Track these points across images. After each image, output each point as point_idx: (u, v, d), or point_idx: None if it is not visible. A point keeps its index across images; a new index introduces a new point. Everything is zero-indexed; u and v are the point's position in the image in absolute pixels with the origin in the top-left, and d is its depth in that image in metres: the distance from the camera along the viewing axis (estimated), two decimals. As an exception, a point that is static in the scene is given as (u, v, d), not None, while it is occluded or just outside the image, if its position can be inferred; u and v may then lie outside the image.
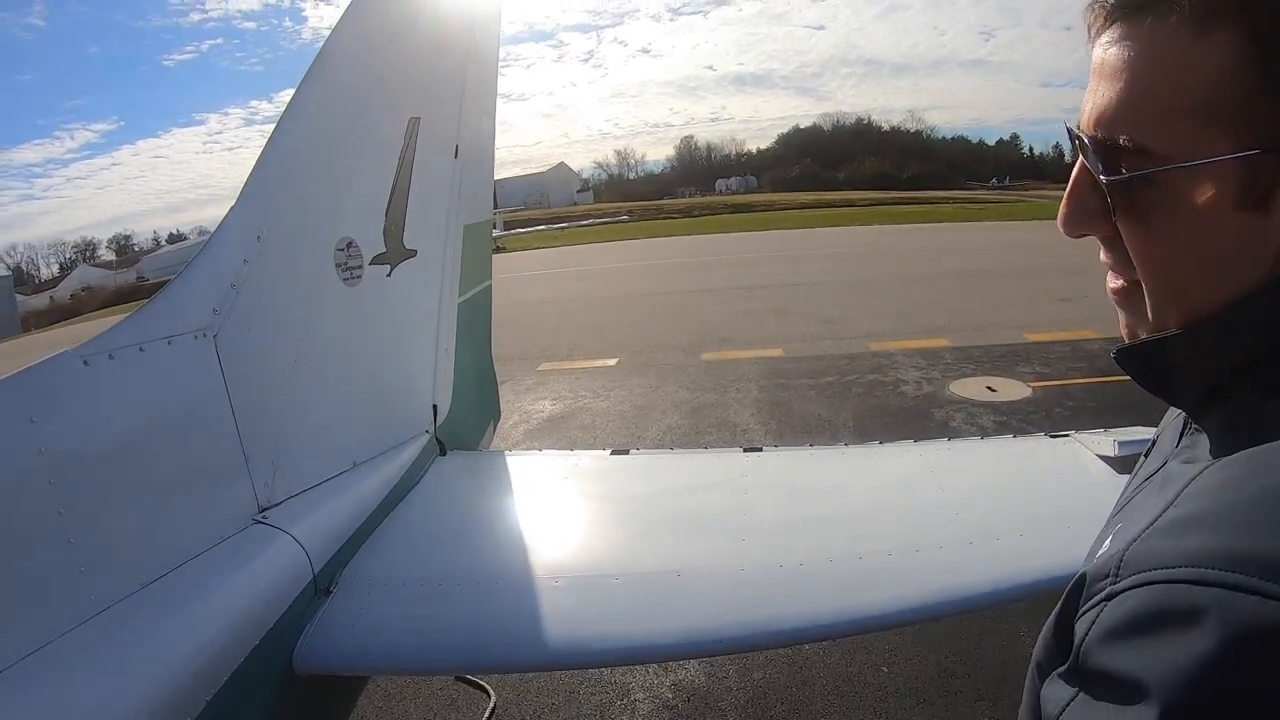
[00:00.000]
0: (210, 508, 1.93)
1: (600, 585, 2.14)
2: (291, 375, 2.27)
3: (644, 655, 2.20)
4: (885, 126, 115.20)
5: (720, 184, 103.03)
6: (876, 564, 2.10)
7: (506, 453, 3.35)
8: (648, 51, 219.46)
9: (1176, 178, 0.65)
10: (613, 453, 3.18)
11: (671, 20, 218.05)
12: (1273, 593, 0.49)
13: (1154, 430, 0.95)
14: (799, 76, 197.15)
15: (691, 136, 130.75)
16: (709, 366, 10.83)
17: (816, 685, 3.94)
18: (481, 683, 3.93)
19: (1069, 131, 0.75)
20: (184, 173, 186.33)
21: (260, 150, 2.21)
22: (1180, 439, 0.79)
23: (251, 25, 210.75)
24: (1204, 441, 0.73)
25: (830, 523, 2.44)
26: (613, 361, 11.56)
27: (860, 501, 2.62)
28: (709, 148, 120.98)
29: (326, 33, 2.43)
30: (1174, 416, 0.87)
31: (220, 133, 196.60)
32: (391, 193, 2.77)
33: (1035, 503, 2.41)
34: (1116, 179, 0.69)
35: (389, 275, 2.79)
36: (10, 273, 78.81)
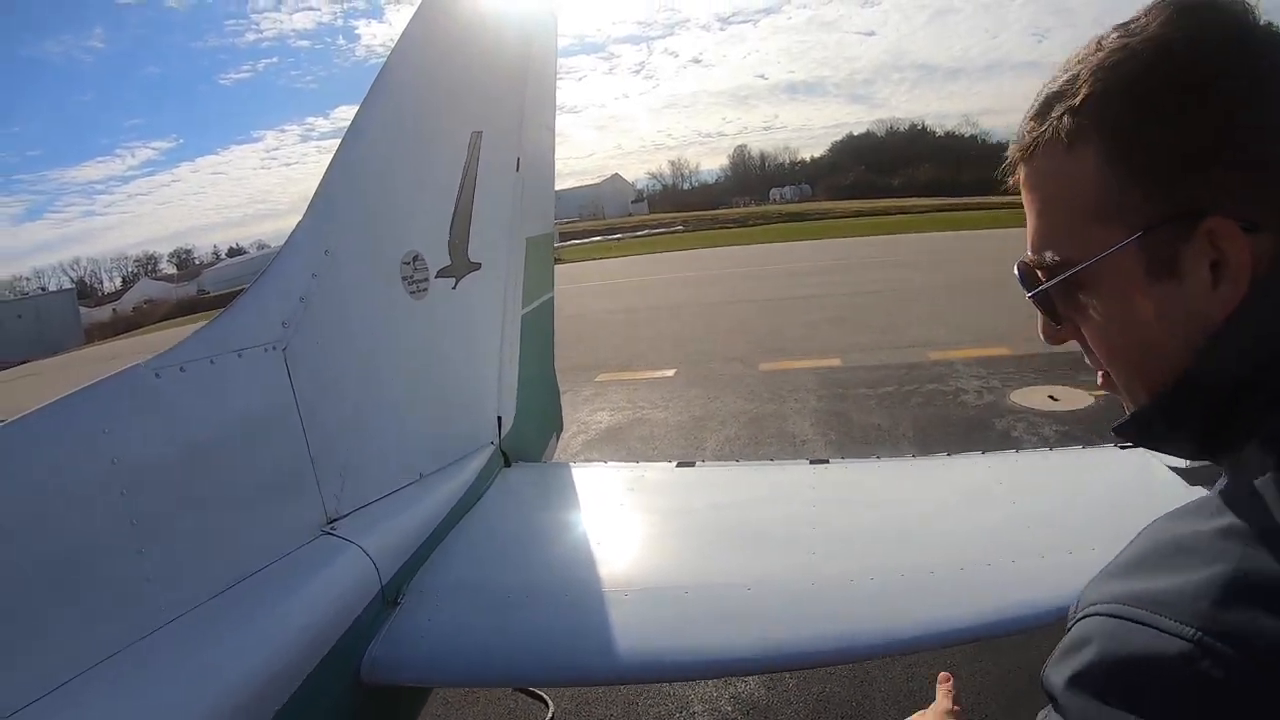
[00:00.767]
0: (279, 519, 1.95)
1: (669, 598, 2.11)
2: (359, 388, 2.30)
3: (715, 669, 2.16)
4: (939, 132, 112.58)
5: (774, 193, 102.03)
6: (948, 577, 2.05)
7: (571, 464, 3.34)
8: (699, 61, 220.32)
9: (1094, 275, 0.74)
10: (678, 465, 3.14)
11: (721, 30, 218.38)
12: (1142, 619, 0.61)
13: None
14: (851, 83, 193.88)
15: (745, 146, 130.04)
16: (766, 377, 10.68)
17: (877, 699, 3.82)
18: (541, 693, 3.93)
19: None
20: (242, 188, 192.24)
21: (325, 165, 2.25)
22: None
23: (306, 44, 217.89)
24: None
25: (900, 536, 2.37)
26: (670, 372, 11.51)
27: (929, 514, 2.55)
28: (763, 156, 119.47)
29: (380, 49, 2.55)
30: None
31: (277, 149, 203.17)
32: (456, 206, 2.80)
33: (1106, 516, 2.30)
34: (1038, 290, 0.80)
35: (454, 288, 2.81)
36: (74, 286, 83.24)
